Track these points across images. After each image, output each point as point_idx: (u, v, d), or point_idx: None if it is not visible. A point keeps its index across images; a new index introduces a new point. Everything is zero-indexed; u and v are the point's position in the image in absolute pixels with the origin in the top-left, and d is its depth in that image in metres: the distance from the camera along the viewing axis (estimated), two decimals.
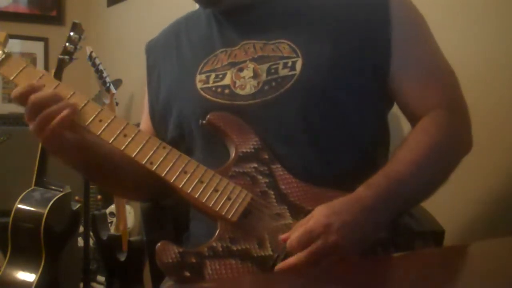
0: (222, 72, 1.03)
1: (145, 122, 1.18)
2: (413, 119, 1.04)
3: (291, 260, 0.86)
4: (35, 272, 1.97)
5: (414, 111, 1.04)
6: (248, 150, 0.97)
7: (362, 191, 0.91)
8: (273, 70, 1.00)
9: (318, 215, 0.87)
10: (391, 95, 1.05)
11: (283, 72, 0.99)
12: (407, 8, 1.05)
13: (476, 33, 1.39)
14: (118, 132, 0.95)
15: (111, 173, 1.08)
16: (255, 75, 1.01)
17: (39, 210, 1.99)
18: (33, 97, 0.93)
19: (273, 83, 0.99)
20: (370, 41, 1.01)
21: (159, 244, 0.91)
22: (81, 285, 2.30)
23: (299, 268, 0.85)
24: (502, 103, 1.34)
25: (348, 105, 1.00)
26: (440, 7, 1.41)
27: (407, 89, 1.03)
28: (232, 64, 1.03)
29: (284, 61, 1.00)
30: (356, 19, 1.02)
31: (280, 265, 0.88)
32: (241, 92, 1.00)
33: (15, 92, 0.95)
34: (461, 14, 1.42)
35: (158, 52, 1.18)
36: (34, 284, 1.95)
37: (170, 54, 1.14)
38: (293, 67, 0.99)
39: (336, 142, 1.00)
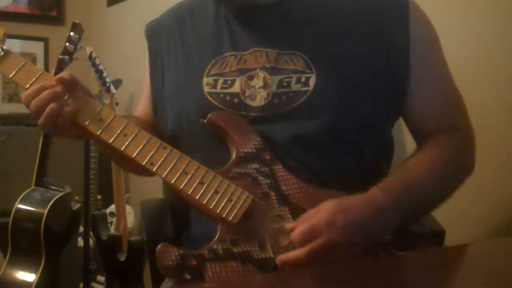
0: (231, 78, 1.01)
1: (143, 107, 1.17)
2: (420, 137, 1.05)
3: (292, 254, 0.87)
4: (35, 272, 1.97)
5: (423, 129, 1.05)
6: (250, 151, 0.96)
7: (375, 193, 0.91)
8: (285, 84, 0.98)
9: (324, 211, 0.87)
10: (400, 111, 1.06)
11: (296, 87, 0.98)
12: (426, 27, 1.05)
13: (476, 33, 1.39)
14: (118, 132, 0.93)
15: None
16: (265, 85, 0.99)
17: (39, 210, 1.99)
18: (33, 102, 0.92)
19: (284, 97, 0.98)
20: (388, 62, 1.00)
21: (159, 246, 0.90)
22: (81, 285, 2.30)
23: (298, 263, 0.85)
24: (503, 104, 1.34)
25: (358, 124, 0.99)
26: (440, 7, 1.41)
27: (420, 108, 1.03)
28: (242, 71, 1.01)
29: (298, 75, 0.98)
30: (374, 37, 1.00)
31: (280, 257, 0.88)
32: (251, 103, 0.99)
33: (23, 96, 0.94)
34: (461, 14, 1.42)
35: (160, 39, 1.14)
36: (34, 284, 1.94)
37: (174, 45, 1.11)
38: (306, 83, 0.97)
39: (343, 157, 0.99)
